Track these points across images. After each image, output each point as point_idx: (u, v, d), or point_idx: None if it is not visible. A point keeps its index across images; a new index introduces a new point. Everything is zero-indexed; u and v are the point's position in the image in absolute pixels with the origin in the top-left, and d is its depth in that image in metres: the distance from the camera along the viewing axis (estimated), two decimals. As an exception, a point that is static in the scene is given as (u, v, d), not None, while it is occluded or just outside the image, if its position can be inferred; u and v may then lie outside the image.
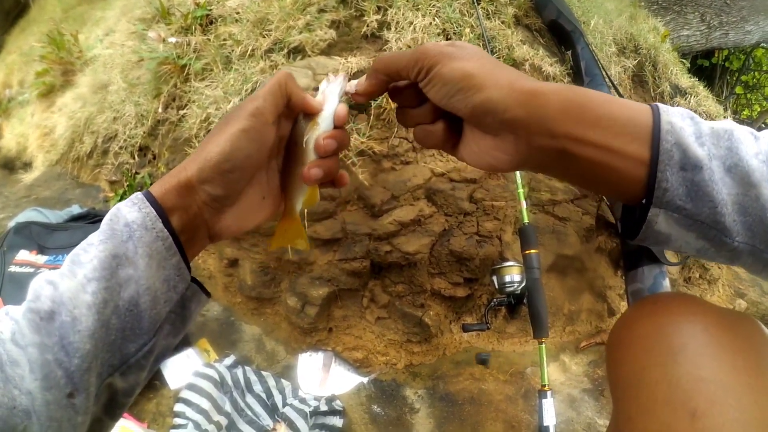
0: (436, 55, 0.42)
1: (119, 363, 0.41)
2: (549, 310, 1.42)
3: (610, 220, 1.49)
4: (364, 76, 0.48)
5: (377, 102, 1.25)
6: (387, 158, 1.26)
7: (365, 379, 1.23)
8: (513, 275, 1.16)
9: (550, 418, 1.03)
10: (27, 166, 2.55)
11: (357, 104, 1.28)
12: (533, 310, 1.12)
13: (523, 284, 1.14)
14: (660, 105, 0.39)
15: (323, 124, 0.47)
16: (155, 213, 0.42)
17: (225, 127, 0.44)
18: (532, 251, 1.16)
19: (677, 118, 0.38)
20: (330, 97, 0.48)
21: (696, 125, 0.38)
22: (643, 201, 0.39)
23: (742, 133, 0.38)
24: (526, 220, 1.18)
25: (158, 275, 0.42)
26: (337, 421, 1.14)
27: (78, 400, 0.39)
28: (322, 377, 1.21)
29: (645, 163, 0.38)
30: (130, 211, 0.41)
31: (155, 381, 1.22)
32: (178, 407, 1.11)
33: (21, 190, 2.29)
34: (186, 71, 1.66)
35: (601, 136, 0.38)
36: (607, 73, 1.36)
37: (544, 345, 1.08)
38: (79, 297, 0.39)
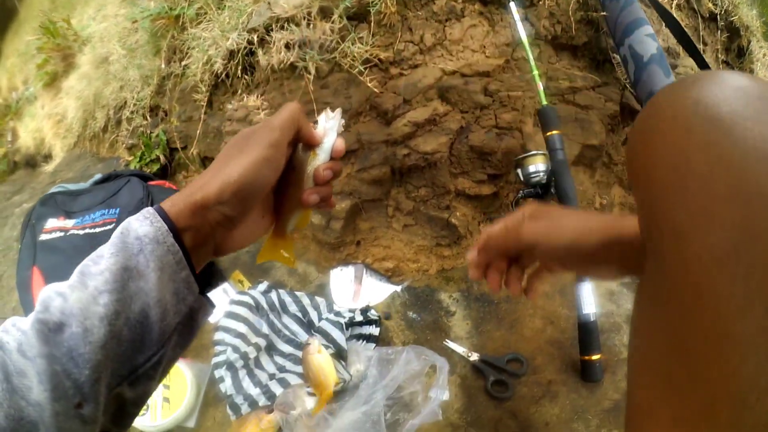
0: (533, 234, 0.53)
1: (128, 373, 0.42)
2: (579, 205, 1.38)
3: (636, 108, 1.42)
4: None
5: (376, 7, 1.20)
6: (394, 64, 1.22)
7: (398, 288, 1.22)
8: (537, 164, 1.11)
9: (589, 305, 1.01)
10: (47, 157, 2.59)
11: (356, 14, 1.23)
12: (561, 191, 1.08)
13: (549, 172, 1.10)
14: None
15: (322, 155, 0.53)
16: (167, 228, 0.43)
17: (244, 152, 0.46)
18: (555, 132, 1.12)
19: None
20: (329, 132, 0.54)
21: None
22: None
23: None
24: (544, 102, 1.14)
25: (168, 288, 0.43)
26: (374, 330, 1.14)
27: (86, 410, 0.39)
28: (355, 290, 1.21)
29: None
30: (141, 225, 0.42)
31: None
32: (217, 335, 1.13)
33: (45, 178, 2.34)
34: (181, 21, 1.64)
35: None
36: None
37: None
38: (90, 308, 0.39)
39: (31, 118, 2.85)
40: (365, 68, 1.20)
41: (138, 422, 1.01)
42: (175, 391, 1.04)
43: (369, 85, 1.19)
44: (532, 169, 1.12)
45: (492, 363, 1.05)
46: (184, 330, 0.46)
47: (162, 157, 1.68)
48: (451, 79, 1.21)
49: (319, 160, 0.53)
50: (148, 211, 0.44)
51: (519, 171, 1.14)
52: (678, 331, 0.28)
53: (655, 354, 0.31)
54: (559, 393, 1.01)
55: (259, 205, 0.52)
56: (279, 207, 0.55)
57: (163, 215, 0.43)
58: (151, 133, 1.74)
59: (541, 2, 1.28)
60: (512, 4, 1.20)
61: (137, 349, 0.42)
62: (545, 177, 1.11)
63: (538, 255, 0.55)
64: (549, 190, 1.11)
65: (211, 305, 0.50)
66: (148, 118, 1.78)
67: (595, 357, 1.00)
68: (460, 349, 1.09)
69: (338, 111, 0.55)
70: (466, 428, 0.97)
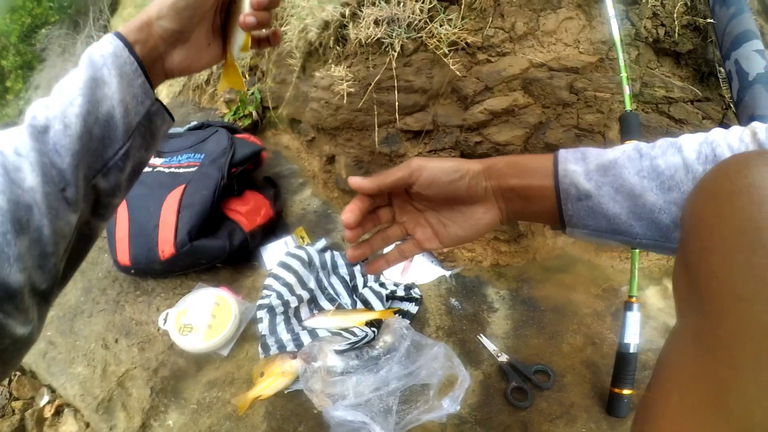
0: (418, 169, 0.55)
1: (101, 166, 0.54)
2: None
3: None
4: None
5: (471, -9, 1.19)
6: (481, 50, 1.21)
7: (448, 273, 1.23)
8: None
9: (633, 335, 0.96)
10: (153, 100, 2.82)
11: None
12: None
13: None
14: (560, 154, 0.54)
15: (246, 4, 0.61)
16: (122, 44, 0.55)
17: None
18: (634, 142, 1.06)
19: (571, 164, 0.52)
20: None
21: (586, 165, 0.52)
22: (562, 228, 0.56)
23: (627, 157, 0.50)
24: (628, 107, 1.08)
25: (128, 92, 0.55)
26: (412, 308, 1.16)
27: (69, 193, 0.50)
28: (405, 266, 1.24)
29: (553, 197, 0.53)
30: (103, 46, 0.54)
31: (254, 262, 1.35)
32: (267, 281, 1.22)
33: (149, 119, 2.55)
34: (283, -13, 1.71)
35: (526, 180, 0.54)
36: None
37: (638, 250, 1.00)
38: (68, 110, 0.50)
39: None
40: (450, 50, 1.20)
41: (179, 341, 1.13)
42: (220, 321, 1.14)
43: (452, 67, 1.19)
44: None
45: (519, 369, 1.03)
46: (146, 132, 0.58)
47: (254, 114, 1.79)
48: (538, 71, 1.19)
49: (245, 6, 0.61)
50: (108, 35, 0.56)
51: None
52: (726, 386, 0.28)
53: (693, 399, 0.31)
54: (577, 418, 0.96)
55: (203, 32, 0.62)
56: (226, 36, 0.64)
57: (120, 36, 0.55)
58: (248, 90, 1.85)
59: (644, 1, 1.21)
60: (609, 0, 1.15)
61: (107, 144, 0.54)
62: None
63: (420, 188, 0.55)
64: None
65: (170, 115, 0.61)
66: (247, 76, 1.89)
67: (626, 391, 0.94)
68: (491, 346, 1.08)
69: None
70: (473, 425, 0.96)
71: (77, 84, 0.52)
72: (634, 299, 0.98)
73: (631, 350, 0.95)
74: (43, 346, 1.28)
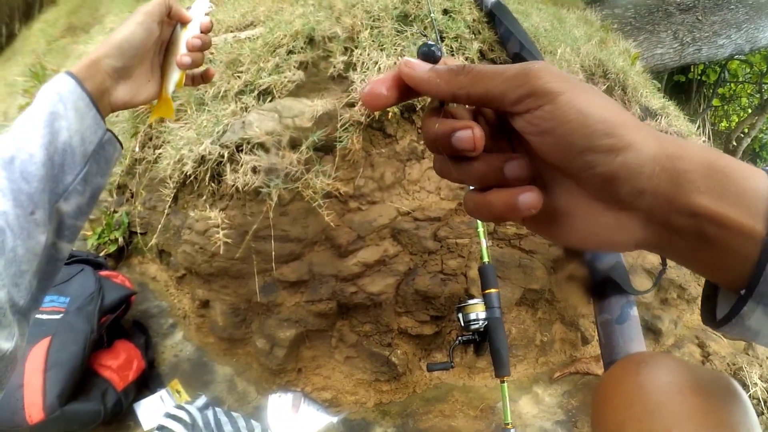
0: (556, 80, 0.29)
1: (62, 191, 0.59)
2: (521, 343, 1.44)
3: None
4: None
5: (342, 143, 1.28)
6: (353, 198, 1.29)
7: (335, 419, 1.25)
8: (478, 312, 1.17)
9: None
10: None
11: (323, 147, 1.30)
12: (494, 349, 1.13)
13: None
14: None
15: (192, 29, 0.71)
16: (75, 81, 0.61)
17: (125, 23, 0.67)
18: (492, 290, 1.18)
19: None
20: (198, 12, 0.72)
21: None
22: (742, 292, 0.30)
23: None
24: (486, 259, 1.20)
25: (83, 123, 0.60)
26: None
27: (38, 215, 0.55)
28: (292, 417, 1.23)
29: (758, 244, 0.28)
30: (58, 84, 0.60)
31: (129, 422, 1.26)
32: None
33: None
34: (160, 111, 1.69)
35: (742, 216, 0.28)
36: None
37: (506, 384, 1.09)
38: (32, 141, 0.56)
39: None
40: (324, 201, 1.26)
41: None
42: None
43: (326, 218, 1.25)
44: (472, 316, 1.17)
45: None
46: (100, 158, 0.63)
47: (120, 240, 1.70)
48: (404, 221, 1.29)
49: (189, 32, 0.71)
50: (61, 74, 0.62)
51: (460, 316, 1.19)
52: None
53: None
54: None
55: (144, 70, 0.70)
56: (163, 73, 0.73)
57: (71, 75, 0.61)
58: (114, 211, 1.75)
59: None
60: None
61: (66, 171, 0.59)
62: (485, 324, 1.17)
63: (546, 127, 0.30)
64: (486, 338, 1.17)
65: (119, 143, 0.67)
66: (115, 195, 1.80)
67: None
68: None
69: None
70: None
71: (38, 118, 0.57)
72: (509, 425, 1.06)
73: None
74: None
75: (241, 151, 1.33)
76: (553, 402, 1.37)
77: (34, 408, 1.11)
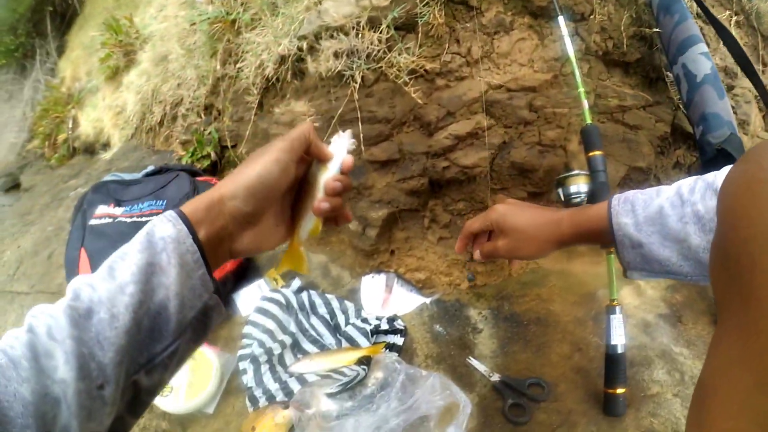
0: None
1: (146, 361, 0.46)
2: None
3: (688, 130, 1.37)
4: None
5: (424, 18, 1.21)
6: (440, 76, 1.23)
7: (428, 300, 1.22)
8: (579, 185, 1.08)
9: (618, 336, 0.97)
10: (105, 146, 2.73)
11: (404, 25, 1.25)
12: None
13: (590, 194, 1.08)
14: (612, 208, 0.65)
15: (333, 169, 0.58)
16: (186, 230, 0.49)
17: (259, 158, 0.53)
18: (597, 153, 1.09)
19: (623, 217, 0.63)
20: (339, 149, 0.60)
21: (635, 217, 0.62)
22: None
23: (671, 204, 0.58)
24: (588, 121, 1.11)
25: (186, 284, 0.48)
26: (398, 340, 1.15)
27: (107, 391, 0.43)
28: (385, 298, 1.22)
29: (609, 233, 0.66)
30: (165, 227, 0.49)
31: (228, 311, 1.30)
32: (246, 329, 1.18)
33: (102, 165, 2.47)
34: (237, 25, 1.70)
35: (591, 241, 0.73)
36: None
37: (613, 255, 1.02)
38: (117, 297, 0.44)
39: (92, 108, 3.01)
40: (410, 78, 1.21)
41: (161, 403, 1.06)
42: (200, 378, 1.08)
43: (413, 95, 1.20)
44: (573, 189, 1.09)
45: (513, 385, 1.03)
46: (199, 326, 0.51)
47: (213, 154, 1.75)
48: (497, 93, 1.21)
49: (329, 173, 0.58)
50: (171, 214, 0.50)
51: (560, 190, 1.11)
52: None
53: (744, 383, 0.31)
54: (577, 424, 0.97)
55: (273, 213, 0.58)
56: (295, 217, 0.61)
57: (184, 218, 0.49)
58: (204, 130, 1.81)
59: (592, 16, 1.25)
60: (561, 18, 1.18)
61: (155, 339, 0.47)
62: (586, 198, 1.08)
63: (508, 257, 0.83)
64: None
65: (225, 307, 0.55)
66: (203, 116, 1.85)
67: (619, 391, 0.96)
68: (482, 367, 1.08)
69: (348, 131, 0.61)
70: (476, 449, 0.95)
71: (131, 268, 0.46)
72: (615, 302, 0.99)
73: (619, 351, 0.96)
74: None
75: (320, 39, 1.30)
76: (656, 295, 1.27)
77: None
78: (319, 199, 0.57)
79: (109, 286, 0.45)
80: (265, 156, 0.53)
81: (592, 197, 1.06)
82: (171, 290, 0.47)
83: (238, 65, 1.68)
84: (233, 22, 1.72)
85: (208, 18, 1.78)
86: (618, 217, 0.63)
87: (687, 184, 0.59)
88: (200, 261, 0.50)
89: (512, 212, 0.80)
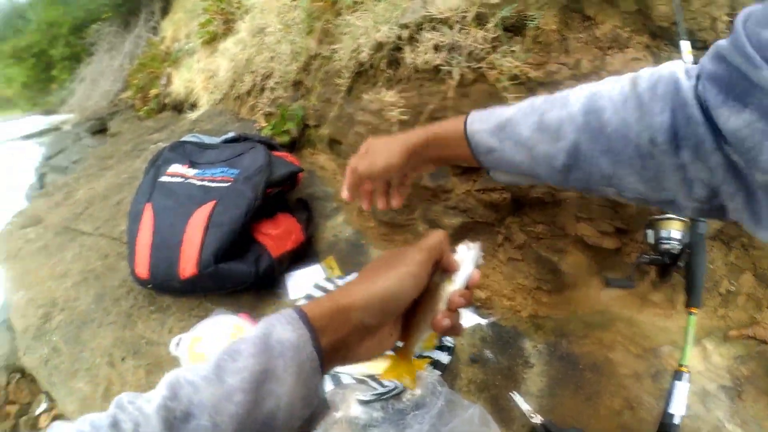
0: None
1: None
2: (705, 285, 1.22)
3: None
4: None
5: (535, 22, 1.14)
6: (543, 86, 1.15)
7: (484, 321, 1.15)
8: (672, 230, 0.98)
9: (678, 406, 0.87)
10: (193, 106, 2.82)
11: (513, 26, 1.18)
12: (692, 272, 0.95)
13: (683, 243, 0.97)
14: (469, 116, 0.66)
15: (458, 282, 0.54)
16: (308, 335, 0.44)
17: (393, 268, 0.49)
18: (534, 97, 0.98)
19: (476, 124, 0.64)
20: (467, 262, 0.55)
21: (489, 124, 0.63)
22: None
23: (522, 113, 0.60)
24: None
25: (299, 393, 0.43)
26: (443, 357, 1.08)
27: None
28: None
29: (469, 152, 0.66)
30: (284, 330, 0.44)
31: (278, 290, 1.27)
32: None
33: (186, 124, 2.54)
34: (337, 6, 1.69)
35: (447, 150, 0.69)
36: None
37: (694, 316, 0.91)
38: (222, 404, 0.40)
39: (186, 68, 3.13)
40: (512, 84, 1.15)
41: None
42: None
43: (511, 103, 1.13)
44: (665, 234, 0.98)
45: None
46: None
47: (294, 130, 1.75)
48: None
49: (455, 286, 0.54)
50: (292, 315, 0.45)
51: (650, 232, 1.01)
52: None
53: None
54: None
55: (391, 322, 0.53)
56: (407, 327, 0.55)
57: (306, 321, 0.45)
58: (289, 105, 1.81)
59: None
60: (684, 43, 1.07)
61: None
62: (678, 247, 0.98)
63: (377, 181, 0.76)
64: (676, 262, 0.98)
65: (329, 408, 0.50)
66: (290, 91, 1.86)
67: None
68: (525, 406, 1.00)
69: (477, 244, 0.57)
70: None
71: (243, 374, 0.41)
72: (685, 368, 0.89)
73: (676, 421, 0.86)
74: (47, 351, 1.24)
75: (422, 29, 1.26)
76: (722, 363, 1.15)
77: (189, 263, 1.16)
78: (442, 313, 0.52)
79: (215, 390, 0.40)
80: (401, 268, 0.49)
81: (686, 249, 0.96)
82: (282, 400, 0.42)
83: (333, 46, 1.67)
84: (334, 2, 1.71)
85: (310, -4, 1.79)
86: (472, 125, 0.64)
87: (545, 96, 0.61)
88: (318, 370, 0.45)
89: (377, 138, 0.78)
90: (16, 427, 1.34)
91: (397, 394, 0.98)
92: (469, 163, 0.69)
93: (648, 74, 0.52)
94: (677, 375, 0.89)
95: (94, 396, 1.09)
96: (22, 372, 1.41)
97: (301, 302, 1.16)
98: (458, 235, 1.22)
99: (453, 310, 0.53)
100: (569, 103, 0.55)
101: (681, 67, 0.51)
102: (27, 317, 1.36)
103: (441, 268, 0.54)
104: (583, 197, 1.12)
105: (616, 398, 1.02)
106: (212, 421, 0.39)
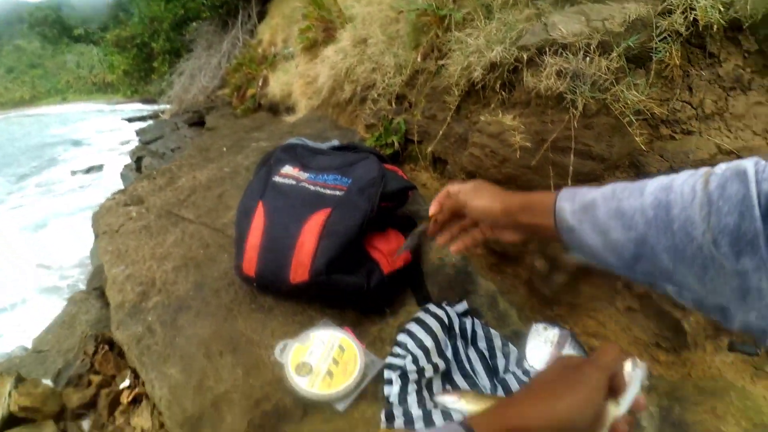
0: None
1: None
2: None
3: None
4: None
5: (659, 55, 1.11)
6: (666, 124, 1.12)
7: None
8: None
9: None
10: (289, 110, 2.93)
11: (635, 57, 1.16)
12: None
13: None
14: (561, 191, 0.67)
15: (624, 406, 0.50)
16: None
17: (570, 387, 0.48)
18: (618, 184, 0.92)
19: (564, 202, 0.66)
20: (633, 383, 0.51)
21: (573, 204, 0.64)
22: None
23: (603, 197, 0.61)
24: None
25: None
26: None
27: None
28: (552, 354, 1.09)
29: (553, 230, 0.67)
30: None
31: (385, 308, 1.25)
32: (401, 337, 1.09)
33: (285, 127, 2.64)
34: (446, 22, 1.69)
35: (535, 219, 0.70)
36: None
37: None
38: None
39: (283, 72, 3.26)
40: (636, 119, 1.13)
41: (296, 381, 1.03)
42: (342, 370, 1.04)
43: (636, 138, 1.11)
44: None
45: None
46: None
47: (396, 144, 1.77)
48: (726, 159, 1.08)
49: (620, 410, 0.50)
50: (460, 430, 0.45)
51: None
52: None
53: None
54: None
55: None
56: None
57: None
58: (392, 118, 1.84)
59: None
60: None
61: None
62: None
63: (468, 214, 0.81)
64: None
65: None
66: (393, 104, 1.88)
67: None
68: None
69: (644, 364, 0.53)
70: None
71: None
72: None
73: None
74: (141, 329, 1.23)
75: (544, 54, 1.24)
76: None
77: (300, 268, 1.15)
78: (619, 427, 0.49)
79: None
80: (581, 391, 0.47)
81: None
82: None
83: (440, 62, 1.68)
84: (443, 17, 1.71)
85: (417, 9, 1.80)
86: (561, 201, 0.66)
87: (628, 183, 0.61)
88: None
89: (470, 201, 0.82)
90: (96, 396, 1.36)
91: None
92: (552, 239, 0.71)
93: (721, 171, 0.50)
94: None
95: (186, 386, 1.08)
96: (111, 344, 1.46)
97: (410, 324, 1.11)
98: (577, 276, 1.21)
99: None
100: (644, 193, 0.56)
101: (752, 165, 0.48)
102: (124, 292, 1.37)
103: (610, 389, 0.50)
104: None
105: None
106: None
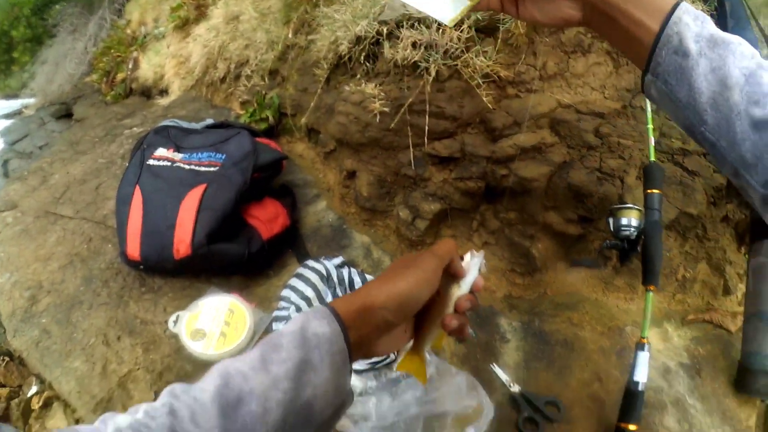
0: None
1: None
2: (662, 272, 1.34)
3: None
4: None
5: (506, 25, 1.23)
6: (512, 84, 1.24)
7: (463, 299, 1.25)
8: (631, 219, 1.09)
9: (642, 374, 0.98)
10: (163, 92, 2.78)
11: (485, 28, 1.26)
12: (647, 253, 1.05)
13: (640, 230, 1.07)
14: (684, 4, 0.50)
15: (464, 287, 0.61)
16: (340, 329, 0.50)
17: (410, 272, 0.56)
18: (655, 191, 1.09)
19: (689, 17, 0.49)
20: (472, 268, 0.63)
21: (701, 27, 0.49)
22: (644, 69, 0.53)
23: (741, 49, 0.48)
24: (652, 158, 1.11)
25: (332, 383, 0.49)
26: None
27: None
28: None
29: (652, 36, 0.50)
30: (319, 324, 0.50)
31: (268, 270, 1.34)
32: (284, 292, 1.20)
33: (158, 110, 2.52)
34: (315, -3, 1.73)
35: (641, 14, 0.51)
36: (756, 21, 1.22)
37: (651, 293, 1.02)
38: (271, 392, 0.44)
39: (155, 53, 3.07)
40: (483, 82, 1.23)
41: (191, 346, 1.10)
42: (233, 330, 1.12)
43: (484, 99, 1.22)
44: (624, 221, 1.09)
45: (530, 400, 1.04)
46: (331, 422, 0.51)
47: (271, 118, 1.79)
48: (565, 112, 1.22)
49: (461, 290, 0.61)
50: (325, 311, 0.52)
51: (610, 220, 1.12)
52: None
53: None
54: None
55: (405, 320, 0.59)
56: (419, 326, 0.62)
57: (338, 318, 0.51)
58: (266, 94, 1.85)
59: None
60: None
61: None
62: (635, 234, 1.08)
63: None
64: (635, 248, 1.09)
65: (353, 398, 0.56)
66: (266, 80, 1.89)
67: (632, 427, 0.96)
68: (504, 376, 1.09)
69: (481, 253, 0.64)
70: (483, 453, 0.97)
71: (287, 364, 0.46)
72: (645, 340, 1.00)
73: (640, 388, 0.97)
74: (37, 333, 1.25)
75: (401, 27, 1.32)
76: (680, 344, 1.27)
77: (182, 244, 1.20)
78: (450, 315, 0.60)
79: (263, 378, 0.45)
80: (418, 273, 0.56)
81: (642, 234, 1.07)
82: (319, 389, 0.47)
83: (309, 37, 1.71)
84: (311, -7, 1.75)
85: (287, -15, 1.81)
86: (683, 13, 0.49)
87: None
88: (347, 362, 0.50)
89: None
90: (8, 410, 1.35)
91: (388, 363, 1.06)
92: (618, 44, 0.58)
93: None
94: (639, 346, 0.99)
95: (91, 374, 1.12)
96: (10, 355, 1.41)
97: (292, 280, 1.23)
98: (436, 221, 1.31)
99: (460, 313, 0.60)
100: None
101: None
102: (13, 300, 1.37)
103: (450, 273, 0.61)
104: (549, 187, 1.22)
105: (585, 371, 1.12)
106: (263, 407, 0.43)
